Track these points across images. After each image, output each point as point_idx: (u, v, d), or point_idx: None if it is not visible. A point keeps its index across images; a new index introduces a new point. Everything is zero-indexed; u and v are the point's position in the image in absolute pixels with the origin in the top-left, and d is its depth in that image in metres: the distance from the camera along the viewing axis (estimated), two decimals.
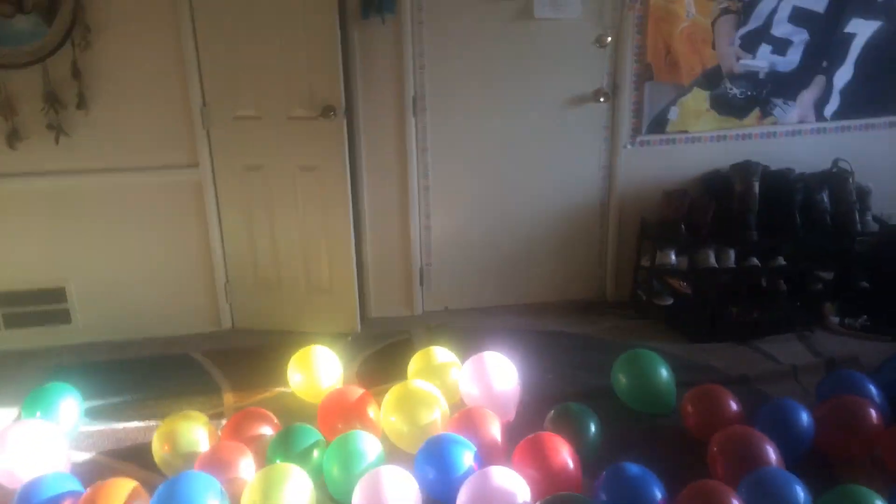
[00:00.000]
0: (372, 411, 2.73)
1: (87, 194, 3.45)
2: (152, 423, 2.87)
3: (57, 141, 3.31)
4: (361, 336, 3.61)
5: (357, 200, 3.61)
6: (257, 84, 3.36)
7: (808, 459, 2.50)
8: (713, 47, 3.62)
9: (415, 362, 3.01)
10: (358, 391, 2.80)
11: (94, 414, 3.00)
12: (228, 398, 3.12)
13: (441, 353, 3.02)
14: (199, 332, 3.68)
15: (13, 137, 3.27)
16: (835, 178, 3.70)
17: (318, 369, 3.01)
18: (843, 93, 3.76)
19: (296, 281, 3.63)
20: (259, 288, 3.67)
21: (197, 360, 3.43)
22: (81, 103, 3.28)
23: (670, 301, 3.69)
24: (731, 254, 3.63)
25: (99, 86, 3.30)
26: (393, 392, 2.73)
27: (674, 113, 3.69)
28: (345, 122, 3.38)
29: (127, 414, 3.00)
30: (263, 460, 2.54)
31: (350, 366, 3.29)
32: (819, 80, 3.74)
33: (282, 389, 3.12)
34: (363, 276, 3.74)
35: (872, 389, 2.68)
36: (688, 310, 3.56)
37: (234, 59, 3.33)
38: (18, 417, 2.89)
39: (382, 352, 3.46)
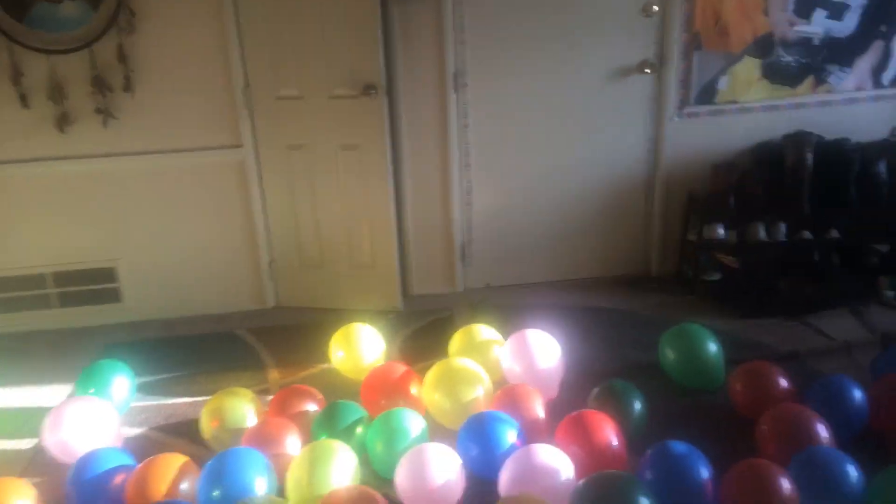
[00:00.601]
0: (415, 388, 2.74)
1: (135, 176, 3.52)
2: (200, 399, 2.93)
3: (105, 124, 3.38)
4: (403, 313, 3.62)
5: (398, 178, 3.60)
6: (299, 64, 3.36)
7: (861, 438, 2.43)
8: (765, 13, 3.49)
9: (457, 339, 3.00)
10: (401, 368, 2.81)
11: (144, 390, 3.08)
12: (273, 374, 3.17)
13: (483, 330, 3.01)
14: (244, 309, 3.75)
15: (63, 121, 3.35)
16: (893, 148, 3.54)
17: (360, 346, 3.03)
18: None
19: (338, 259, 3.65)
20: (302, 266, 3.71)
21: (242, 337, 3.49)
22: (128, 86, 3.34)
23: (718, 276, 3.60)
24: (783, 227, 3.52)
25: (144, 69, 3.35)
26: (435, 369, 2.73)
27: (723, 83, 3.58)
28: (386, 100, 3.36)
29: (176, 390, 3.07)
30: (308, 436, 2.57)
31: (392, 343, 3.30)
32: (877, 46, 3.58)
33: (325, 366, 3.15)
34: (405, 254, 3.74)
35: None
36: (736, 285, 3.47)
37: (276, 39, 3.34)
38: (72, 394, 2.98)
39: (424, 329, 3.46)
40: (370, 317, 3.30)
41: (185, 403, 2.98)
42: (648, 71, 3.52)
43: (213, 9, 3.30)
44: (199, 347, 3.42)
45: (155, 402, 3.01)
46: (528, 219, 3.76)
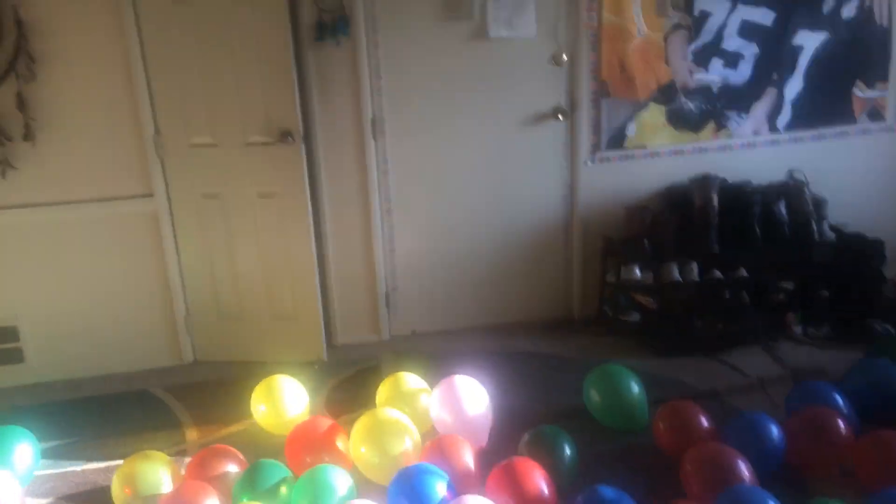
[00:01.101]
0: (341, 443, 2.67)
1: (38, 228, 3.34)
2: (112, 464, 2.76)
3: (3, 175, 3.20)
4: (328, 364, 3.54)
5: (319, 225, 3.55)
6: (212, 110, 3.30)
7: (780, 473, 2.51)
8: (667, 63, 3.67)
9: (383, 390, 2.96)
10: (326, 422, 2.74)
11: (51, 456, 2.89)
12: (191, 434, 3.03)
13: (410, 379, 2.97)
14: (159, 366, 3.58)
15: None
16: (791, 190, 3.76)
17: (283, 400, 2.95)
18: (795, 104, 3.83)
19: (258, 310, 3.55)
20: (221, 318, 3.58)
21: (157, 395, 3.33)
22: (28, 135, 3.19)
23: (637, 317, 3.70)
24: (695, 267, 3.66)
25: (46, 117, 3.21)
26: (362, 422, 2.67)
27: (631, 128, 3.72)
28: (303, 146, 3.33)
29: (85, 455, 2.90)
30: (230, 500, 2.46)
31: (317, 395, 3.22)
32: (771, 93, 3.81)
33: (247, 422, 3.03)
34: (328, 303, 3.67)
35: (839, 400, 2.70)
36: (654, 325, 3.58)
37: (188, 86, 3.27)
38: None
39: (350, 380, 3.40)
40: (293, 369, 3.21)
41: (96, 469, 2.81)
42: (561, 117, 3.63)
43: (120, 55, 3.21)
44: (109, 408, 3.24)
45: (62, 470, 2.82)
46: (452, 264, 3.78)
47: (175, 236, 3.46)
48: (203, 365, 3.61)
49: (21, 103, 3.14)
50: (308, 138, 3.41)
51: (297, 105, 3.27)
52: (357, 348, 3.69)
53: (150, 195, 3.39)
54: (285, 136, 3.29)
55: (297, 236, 3.43)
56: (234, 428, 3.05)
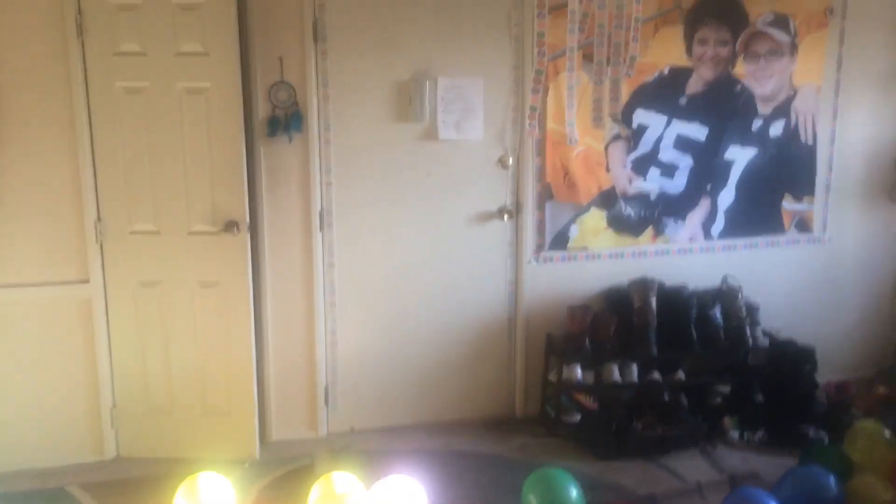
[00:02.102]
0: None
1: None
2: None
3: None
4: (260, 462, 3.40)
5: (259, 317, 3.50)
6: (158, 198, 3.28)
7: None
8: (607, 170, 3.83)
9: (316, 490, 2.84)
10: None
11: None
12: None
13: (344, 480, 2.86)
14: (78, 462, 3.37)
15: None
16: (725, 295, 3.88)
17: (208, 501, 2.78)
18: (727, 214, 4.02)
19: (190, 403, 3.42)
20: (149, 412, 3.43)
21: (74, 494, 3.12)
22: None
23: (578, 417, 3.69)
24: (634, 368, 3.70)
25: None
26: None
27: (574, 230, 3.83)
28: (248, 237, 3.32)
29: None
30: None
31: (247, 495, 3.07)
32: (705, 202, 4.00)
33: None
34: (264, 397, 3.56)
35: None
36: (595, 426, 3.56)
37: (134, 172, 3.26)
38: None
39: (282, 479, 3.26)
40: (223, 467, 3.06)
41: None
42: (506, 217, 3.72)
43: (68, 140, 3.18)
44: None
45: None
46: (394, 359, 3.73)
47: (108, 324, 3.35)
48: (126, 461, 3.42)
49: None
50: (254, 229, 3.41)
51: (244, 196, 3.28)
52: (292, 445, 3.56)
53: (86, 281, 3.29)
54: (231, 226, 3.27)
55: (237, 327, 3.36)
56: None
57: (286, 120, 3.38)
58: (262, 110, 3.37)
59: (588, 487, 2.92)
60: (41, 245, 3.24)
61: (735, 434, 3.64)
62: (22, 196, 3.18)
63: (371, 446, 3.53)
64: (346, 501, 2.77)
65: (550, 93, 3.67)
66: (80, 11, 3.11)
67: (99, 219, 3.28)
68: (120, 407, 3.42)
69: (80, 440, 3.39)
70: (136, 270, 3.33)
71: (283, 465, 3.36)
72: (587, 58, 3.69)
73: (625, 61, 3.69)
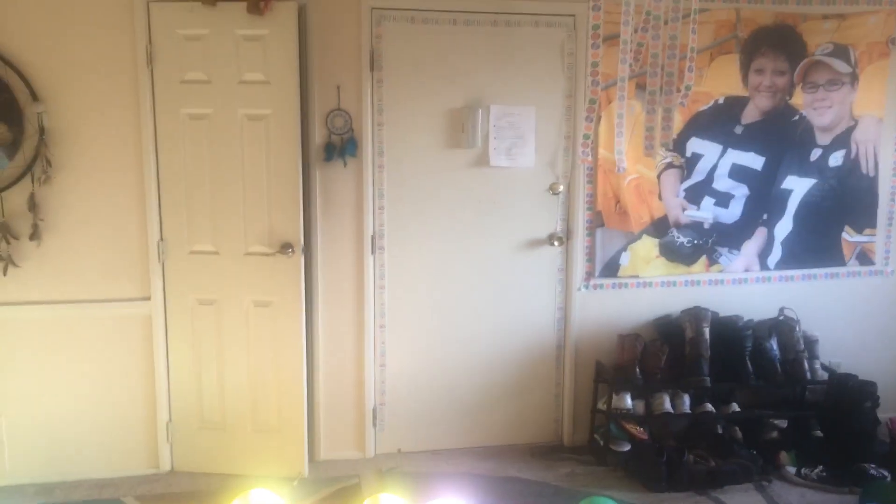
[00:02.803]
0: None
1: (30, 326, 3.34)
2: None
3: (5, 272, 3.25)
4: (309, 480, 3.44)
5: (311, 337, 3.56)
6: (217, 220, 3.39)
7: None
8: (660, 198, 3.80)
9: None
10: None
11: None
12: None
13: (391, 500, 2.87)
14: (134, 474, 3.47)
15: None
16: (782, 326, 3.79)
17: None
18: (785, 244, 3.94)
19: (242, 421, 3.49)
20: (203, 428, 3.51)
21: None
22: (35, 235, 3.26)
23: (628, 447, 3.63)
24: (686, 399, 3.63)
25: (55, 218, 3.30)
26: None
27: (625, 258, 3.81)
28: (302, 258, 3.40)
29: None
30: None
31: None
32: (761, 232, 3.93)
33: None
34: (313, 416, 3.62)
35: None
36: (645, 456, 3.49)
37: (196, 195, 3.38)
38: None
39: (330, 498, 3.28)
40: (273, 483, 3.12)
41: None
42: (557, 244, 3.72)
43: (135, 163, 3.33)
44: None
45: None
46: (442, 382, 3.75)
47: (167, 341, 3.46)
48: (180, 475, 3.50)
49: (32, 204, 3.24)
50: (308, 251, 3.49)
51: (300, 219, 3.37)
52: (340, 464, 3.60)
53: (147, 298, 3.42)
54: (286, 247, 3.36)
55: (289, 347, 3.43)
56: None
57: (342, 146, 3.48)
58: (318, 136, 3.47)
59: None
60: (106, 263, 3.38)
61: (791, 469, 3.52)
62: (90, 215, 3.34)
63: (418, 468, 3.54)
64: None
65: (603, 121, 3.68)
66: (150, 41, 3.28)
67: (162, 238, 3.41)
68: (175, 422, 3.52)
69: (137, 453, 3.49)
70: (195, 289, 3.44)
71: (332, 484, 3.39)
72: (641, 87, 3.70)
73: (678, 90, 3.68)
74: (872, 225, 4.02)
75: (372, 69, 3.48)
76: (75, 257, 3.34)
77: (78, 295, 3.36)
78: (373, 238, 3.60)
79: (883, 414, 3.70)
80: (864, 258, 4.04)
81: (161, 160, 3.36)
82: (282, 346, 3.44)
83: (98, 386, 3.42)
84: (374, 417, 3.71)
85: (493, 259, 3.72)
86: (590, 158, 3.69)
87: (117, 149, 3.32)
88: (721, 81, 3.76)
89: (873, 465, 3.41)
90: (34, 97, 3.19)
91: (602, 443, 3.66)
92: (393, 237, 3.62)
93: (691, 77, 3.66)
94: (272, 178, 3.36)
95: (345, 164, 3.49)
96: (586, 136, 3.69)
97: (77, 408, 3.41)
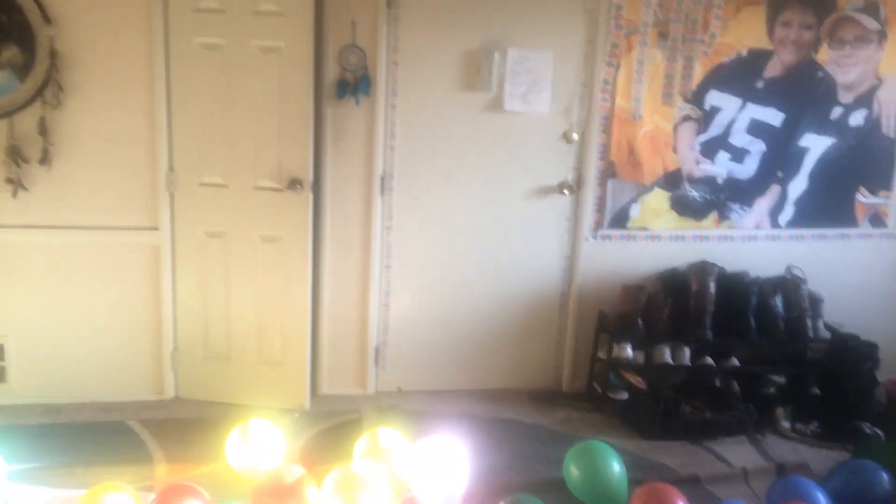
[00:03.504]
0: (310, 493, 2.61)
1: (38, 250, 3.37)
2: (77, 492, 2.70)
3: (14, 195, 3.26)
4: (310, 413, 3.50)
5: (317, 274, 3.58)
6: (227, 153, 3.38)
7: None
8: (674, 151, 3.76)
9: (362, 444, 2.91)
10: (297, 472, 2.68)
11: (18, 479, 2.82)
12: (161, 470, 2.98)
13: (390, 436, 2.93)
14: (139, 399, 3.54)
15: None
16: (788, 284, 3.78)
17: (258, 445, 2.89)
18: (797, 203, 3.90)
19: (246, 352, 3.54)
20: (207, 357, 3.57)
21: (133, 428, 3.29)
22: (45, 159, 3.25)
23: (625, 395, 3.67)
24: (686, 352, 3.65)
25: (65, 143, 3.29)
26: (334, 474, 2.62)
27: (635, 210, 3.78)
28: (311, 196, 3.39)
29: (52, 481, 2.83)
30: None
31: (294, 443, 3.17)
32: (774, 189, 3.88)
33: (220, 464, 2.98)
34: (317, 352, 3.66)
35: (821, 497, 2.65)
36: (642, 405, 3.53)
37: (206, 127, 3.36)
38: None
39: (330, 431, 3.35)
40: (274, 414, 3.18)
41: (60, 498, 2.74)
42: (567, 192, 3.70)
43: (146, 91, 3.30)
44: (84, 437, 3.19)
45: (27, 494, 2.75)
46: (445, 325, 3.78)
47: (174, 271, 3.49)
48: (183, 402, 3.57)
49: (43, 129, 3.22)
50: (316, 188, 3.48)
51: (310, 156, 3.35)
52: (341, 400, 3.66)
53: (155, 228, 3.43)
54: (294, 183, 3.36)
55: (295, 283, 3.46)
56: (205, 468, 2.99)
57: (355, 83, 3.43)
58: (332, 72, 3.43)
59: (630, 464, 2.92)
60: (115, 191, 3.38)
61: (787, 424, 3.56)
62: (100, 142, 3.32)
63: (417, 407, 3.60)
64: (391, 456, 2.84)
65: (622, 69, 3.61)
66: None
67: (171, 169, 3.40)
68: (181, 350, 3.57)
69: (142, 379, 3.56)
70: (203, 221, 3.45)
71: (332, 418, 3.46)
72: (662, 36, 3.62)
73: (703, 40, 3.60)
74: (888, 187, 3.97)
75: (389, 5, 3.41)
76: (84, 183, 3.35)
77: (86, 221, 3.38)
78: (382, 178, 3.58)
79: (882, 375, 3.72)
80: (877, 220, 4.00)
81: (172, 89, 3.33)
82: (288, 282, 3.46)
83: (105, 312, 3.47)
84: (377, 356, 3.76)
85: (502, 205, 3.70)
86: (607, 105, 3.63)
87: (129, 76, 3.29)
88: (745, 33, 3.67)
89: (868, 424, 3.45)
90: (46, 20, 3.15)
91: (600, 390, 3.71)
92: (402, 178, 3.60)
93: (717, 25, 3.58)
94: (283, 113, 3.33)
95: (357, 103, 3.45)
96: (606, 82, 3.63)
97: (84, 332, 3.47)
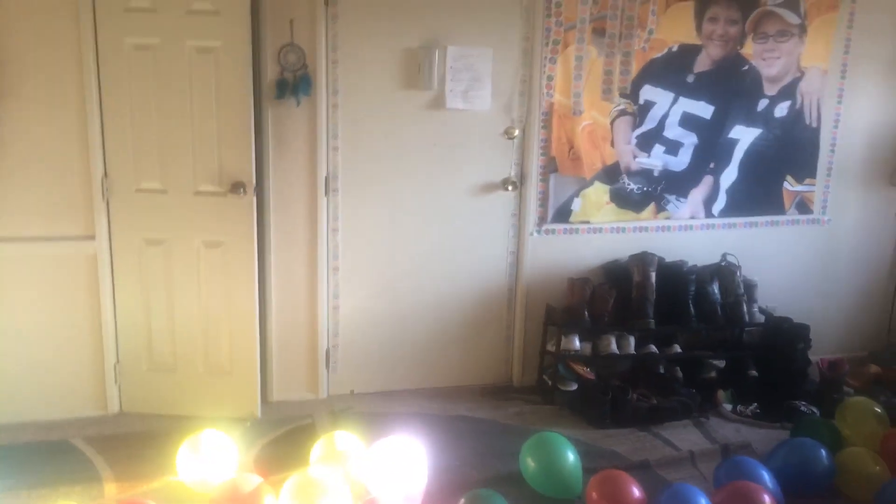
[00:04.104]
0: (270, 502, 2.58)
1: None
2: None
3: None
4: (261, 421, 3.45)
5: (263, 279, 3.52)
6: (164, 157, 3.29)
7: None
8: (612, 145, 3.85)
9: (317, 449, 2.89)
10: (254, 481, 2.65)
11: None
12: (110, 488, 2.88)
13: (345, 439, 2.92)
14: (82, 416, 3.41)
15: None
16: (723, 271, 3.93)
17: (210, 457, 2.84)
18: (729, 192, 4.05)
19: (193, 362, 3.46)
20: (152, 369, 3.47)
21: (77, 446, 3.17)
22: None
23: (575, 386, 3.75)
24: (631, 340, 3.76)
25: None
26: (292, 481, 2.59)
27: (577, 204, 3.86)
28: (254, 199, 3.33)
29: None
30: None
31: (248, 453, 3.12)
32: (707, 180, 4.02)
33: (172, 479, 2.91)
34: (266, 358, 3.61)
35: (765, 475, 2.78)
36: (591, 395, 3.62)
37: (142, 131, 3.26)
38: None
39: (283, 438, 3.31)
40: (224, 425, 3.12)
41: None
42: (510, 188, 3.75)
43: (77, 95, 3.18)
44: (26, 458, 3.06)
45: None
46: (395, 325, 3.78)
47: (113, 281, 3.37)
48: (128, 416, 3.46)
49: None
50: (260, 191, 3.42)
51: (252, 158, 3.29)
52: (292, 405, 3.61)
53: (92, 237, 3.31)
54: (237, 187, 3.29)
55: (241, 288, 3.39)
56: (156, 484, 2.91)
57: (295, 83, 3.38)
58: (270, 72, 3.37)
59: (583, 453, 2.99)
60: (48, 200, 3.25)
61: (728, 407, 3.71)
62: (29, 150, 3.18)
63: (370, 408, 3.59)
64: (347, 460, 2.82)
65: (559, 66, 3.67)
66: None
67: (106, 175, 3.29)
68: (123, 363, 3.46)
69: (84, 395, 3.43)
70: (142, 228, 3.35)
71: (284, 425, 3.41)
72: (597, 31, 3.69)
73: (640, 35, 3.70)
74: (812, 175, 4.17)
75: (326, 3, 3.37)
76: (15, 192, 3.20)
77: (18, 232, 3.23)
78: (327, 179, 3.55)
79: (814, 355, 3.92)
80: (803, 207, 4.19)
81: (104, 92, 3.21)
82: (234, 288, 3.40)
83: (42, 326, 3.33)
84: (327, 359, 3.73)
85: (447, 202, 3.72)
86: (547, 102, 3.69)
87: (59, 80, 3.16)
88: (675, 29, 3.79)
89: (804, 403, 3.63)
90: None
91: (550, 383, 3.78)
92: (347, 179, 3.58)
93: (654, 21, 3.68)
94: (222, 115, 3.26)
95: (298, 103, 3.40)
96: (550, 78, 3.68)
97: (20, 349, 3.32)
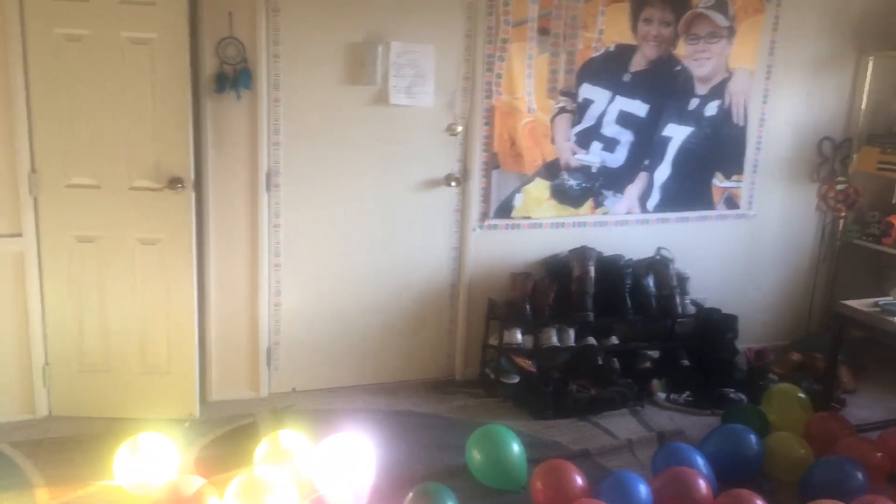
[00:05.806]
0: (214, 503, 2.54)
1: None
2: None
3: None
4: (201, 421, 3.38)
5: (202, 276, 3.45)
6: (97, 151, 3.18)
7: None
8: (552, 142, 3.92)
9: (262, 448, 2.86)
10: (196, 482, 2.60)
11: None
12: (41, 495, 2.78)
13: (290, 437, 2.89)
14: (8, 420, 3.27)
15: None
16: (658, 265, 4.06)
17: (148, 460, 2.77)
18: (663, 188, 4.18)
19: (128, 362, 3.36)
20: (84, 370, 3.35)
21: (4, 451, 3.04)
22: None
23: (517, 379, 3.81)
24: (571, 333, 3.84)
25: None
26: (236, 482, 2.56)
27: (518, 200, 3.92)
28: (193, 194, 3.26)
29: None
30: None
31: (188, 454, 3.05)
32: (642, 177, 4.14)
33: (107, 483, 2.82)
34: (205, 357, 3.53)
35: (699, 460, 2.90)
36: (532, 387, 3.69)
37: (73, 124, 3.14)
38: None
39: (224, 437, 3.25)
40: (162, 426, 3.05)
41: None
42: (453, 184, 3.77)
43: (2, 87, 3.04)
44: None
45: None
46: (337, 321, 3.75)
47: (41, 280, 3.24)
48: (58, 420, 3.33)
49: None
50: (199, 187, 3.34)
51: (190, 153, 3.21)
52: (233, 405, 3.55)
53: (19, 235, 3.18)
54: (174, 182, 3.21)
55: (178, 286, 3.31)
56: (91, 489, 2.82)
57: (234, 77, 3.31)
58: (210, 66, 3.30)
59: (526, 444, 3.04)
60: None
61: (662, 395, 3.84)
62: None
63: (314, 406, 3.57)
64: (292, 458, 2.80)
65: (504, 62, 3.71)
66: None
67: (33, 170, 3.15)
68: (52, 364, 3.33)
69: (10, 398, 3.29)
70: (73, 225, 3.23)
71: (225, 425, 3.35)
72: (543, 31, 3.75)
73: (583, 35, 3.78)
74: (739, 172, 4.34)
75: None
76: None
77: None
78: (268, 175, 3.49)
79: (742, 344, 4.10)
80: (731, 202, 4.37)
81: (32, 84, 3.08)
82: (171, 286, 3.31)
83: None
84: (269, 357, 3.68)
85: (390, 198, 3.72)
86: (490, 100, 3.72)
87: None
88: (613, 29, 3.88)
89: (733, 390, 3.79)
90: None
91: (493, 376, 3.83)
92: (289, 174, 3.53)
93: (604, 21, 3.77)
94: (158, 109, 3.17)
95: (238, 97, 3.33)
96: (499, 76, 3.72)
97: None
